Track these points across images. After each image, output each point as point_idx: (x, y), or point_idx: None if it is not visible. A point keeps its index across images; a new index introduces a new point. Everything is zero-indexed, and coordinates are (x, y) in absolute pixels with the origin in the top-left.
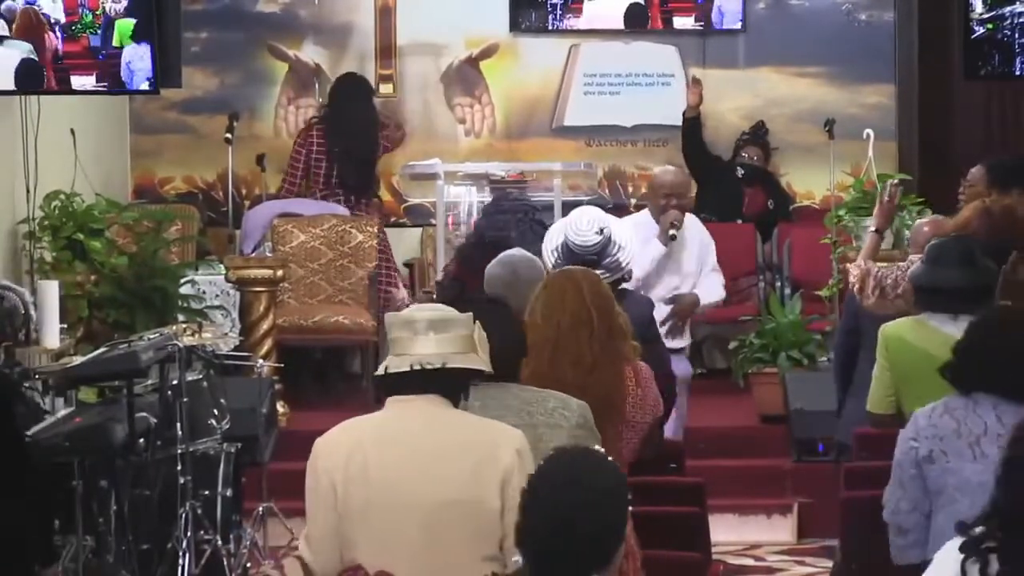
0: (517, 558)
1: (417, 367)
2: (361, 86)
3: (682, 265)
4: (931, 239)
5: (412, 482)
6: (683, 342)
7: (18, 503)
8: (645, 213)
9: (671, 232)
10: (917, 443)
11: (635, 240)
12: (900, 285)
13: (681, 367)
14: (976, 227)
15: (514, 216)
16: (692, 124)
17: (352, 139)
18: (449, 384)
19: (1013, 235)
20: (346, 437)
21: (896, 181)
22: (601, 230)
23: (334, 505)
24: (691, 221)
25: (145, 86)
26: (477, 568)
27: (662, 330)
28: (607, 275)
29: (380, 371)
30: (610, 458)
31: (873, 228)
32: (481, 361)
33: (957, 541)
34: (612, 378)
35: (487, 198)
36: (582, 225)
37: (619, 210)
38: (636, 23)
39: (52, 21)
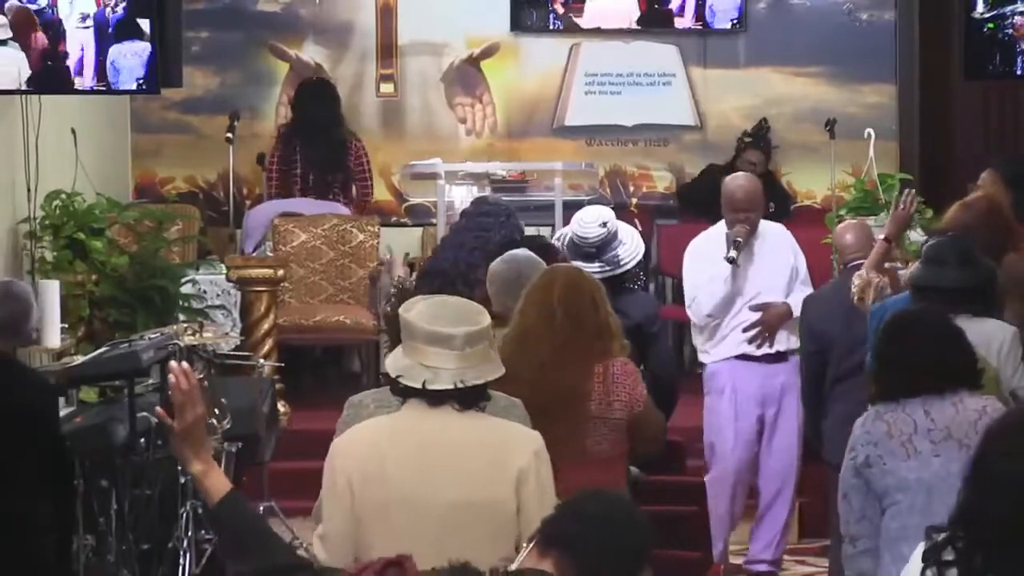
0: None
1: (461, 385)
2: (322, 88)
3: (765, 277)
4: (858, 244)
5: (428, 483)
6: (783, 345)
7: (65, 503)
8: (720, 226)
9: (731, 254)
10: (855, 452)
11: (700, 256)
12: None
13: (788, 373)
14: (963, 222)
15: (496, 219)
16: (709, 186)
17: (315, 135)
18: (471, 389)
19: (998, 225)
20: (364, 437)
21: (912, 191)
22: (604, 223)
23: (350, 505)
24: (778, 231)
25: (132, 86)
26: None
27: (746, 336)
28: (606, 268)
29: (416, 385)
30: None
31: (883, 236)
32: (500, 365)
33: (923, 546)
34: (573, 376)
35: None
36: (587, 218)
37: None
38: (655, 23)
39: (52, 20)
